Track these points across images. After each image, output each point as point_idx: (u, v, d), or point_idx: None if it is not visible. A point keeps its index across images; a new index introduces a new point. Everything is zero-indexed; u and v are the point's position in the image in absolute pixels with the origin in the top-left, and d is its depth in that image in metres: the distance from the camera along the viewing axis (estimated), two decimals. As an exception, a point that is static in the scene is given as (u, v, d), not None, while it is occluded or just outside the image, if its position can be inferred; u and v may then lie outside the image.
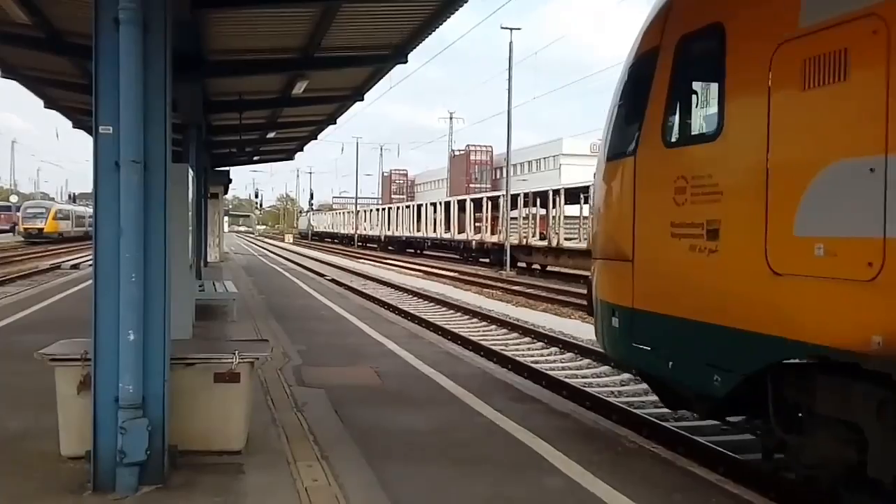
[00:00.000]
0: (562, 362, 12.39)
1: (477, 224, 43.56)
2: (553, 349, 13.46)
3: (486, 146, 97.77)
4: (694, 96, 5.89)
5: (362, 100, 16.39)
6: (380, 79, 14.63)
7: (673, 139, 5.87)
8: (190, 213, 10.26)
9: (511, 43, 36.54)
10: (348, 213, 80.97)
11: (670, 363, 5.70)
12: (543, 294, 23.07)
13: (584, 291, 26.37)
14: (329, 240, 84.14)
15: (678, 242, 5.51)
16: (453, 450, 5.81)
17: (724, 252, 5.11)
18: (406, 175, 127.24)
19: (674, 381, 6.05)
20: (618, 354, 7.02)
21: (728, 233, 5.09)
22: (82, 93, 13.59)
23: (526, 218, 37.23)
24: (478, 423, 6.60)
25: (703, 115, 5.87)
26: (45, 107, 17.28)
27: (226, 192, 36.89)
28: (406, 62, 12.36)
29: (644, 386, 10.53)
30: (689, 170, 5.49)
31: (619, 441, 6.26)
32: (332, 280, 26.59)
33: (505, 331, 15.77)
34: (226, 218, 58.27)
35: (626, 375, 11.12)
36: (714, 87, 5.51)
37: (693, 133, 5.88)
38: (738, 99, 5.12)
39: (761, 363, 4.93)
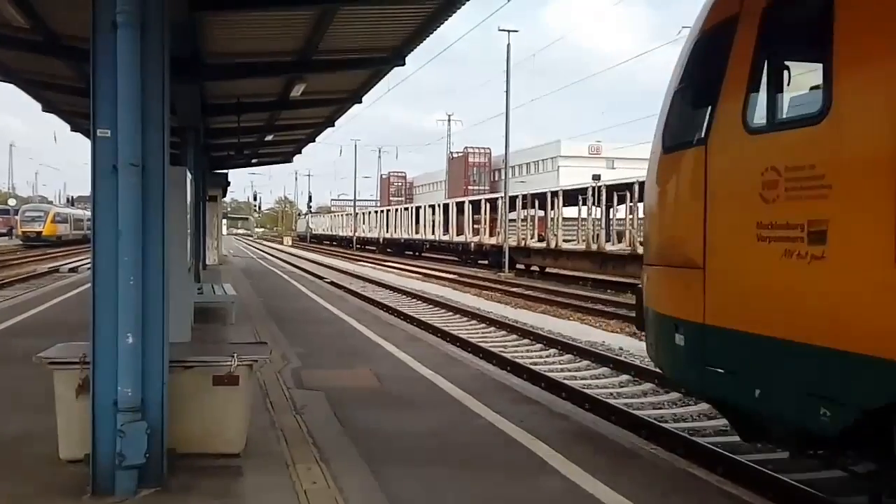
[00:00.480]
0: (560, 364, 12.40)
1: (476, 226, 43.61)
2: (552, 351, 13.47)
3: (484, 148, 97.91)
4: (786, 72, 4.94)
5: (360, 102, 16.41)
6: (377, 81, 14.64)
7: (758, 123, 4.90)
8: (188, 216, 10.26)
9: (509, 45, 36.69)
10: (347, 215, 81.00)
11: (757, 391, 4.73)
12: (542, 296, 23.09)
13: (583, 293, 26.12)
14: (328, 242, 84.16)
15: (767, 247, 4.60)
16: (452, 452, 5.81)
17: (835, 259, 4.19)
18: (404, 177, 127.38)
19: (761, 412, 5.02)
20: (682, 377, 6.04)
21: (840, 235, 4.17)
22: (80, 96, 13.58)
23: (524, 220, 37.28)
24: (477, 425, 6.60)
25: (801, 94, 5.00)
26: (43, 110, 17.27)
27: (224, 195, 36.88)
28: (404, 65, 12.37)
29: (643, 387, 10.54)
30: (782, 159, 4.56)
31: (617, 442, 6.27)
32: (331, 282, 26.58)
33: (504, 333, 15.78)
34: (224, 220, 58.27)
35: (624, 376, 11.13)
36: (817, 58, 4.66)
37: (787, 115, 4.90)
38: (852, 72, 4.24)
39: (889, 395, 3.98)
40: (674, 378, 6.64)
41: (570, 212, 34.59)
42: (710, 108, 5.25)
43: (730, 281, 4.99)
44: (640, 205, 27.48)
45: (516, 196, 37.92)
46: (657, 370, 11.11)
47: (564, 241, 32.78)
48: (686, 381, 6.33)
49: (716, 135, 5.16)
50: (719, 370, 5.06)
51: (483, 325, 17.09)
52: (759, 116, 4.93)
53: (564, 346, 13.45)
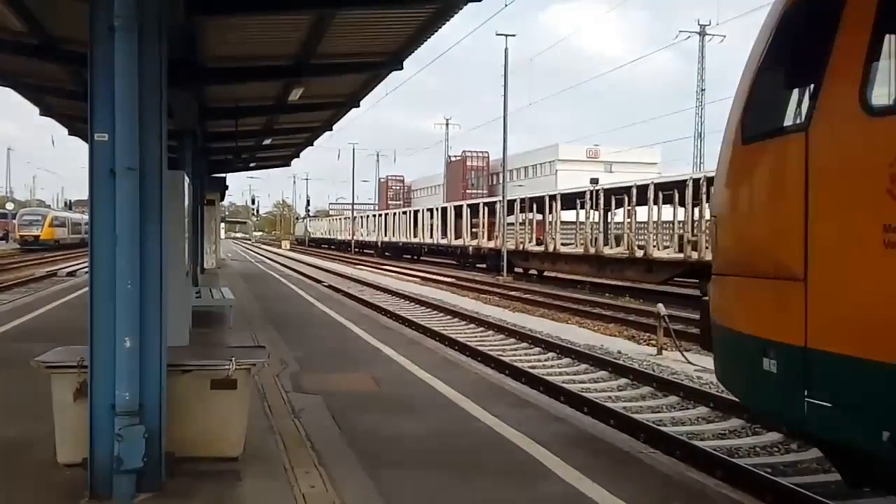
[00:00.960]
0: (559, 367, 12.40)
1: (474, 230, 43.65)
2: (550, 354, 13.48)
3: (482, 152, 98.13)
4: None
5: (358, 106, 16.39)
6: (375, 85, 14.63)
7: (883, 103, 4.09)
8: (186, 220, 10.25)
9: (506, 49, 36.73)
10: (345, 219, 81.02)
11: (885, 433, 3.82)
12: (540, 299, 23.09)
13: (582, 296, 26.06)
14: (326, 246, 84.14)
15: None
16: (451, 456, 5.80)
17: None
18: (402, 181, 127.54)
19: (890, 458, 4.01)
20: (772, 409, 5.11)
21: None
22: (78, 100, 13.55)
23: (523, 223, 37.32)
24: (475, 429, 6.59)
25: None
26: (41, 114, 17.24)
27: (222, 199, 36.84)
28: (402, 69, 12.37)
29: (641, 391, 10.54)
30: None
31: (616, 446, 6.26)
32: (330, 286, 26.57)
33: (502, 336, 15.77)
34: (222, 224, 58.21)
35: (623, 380, 11.13)
36: None
37: None
38: None
39: None
40: (758, 409, 5.88)
41: (569, 215, 34.65)
42: (811, 87, 4.37)
43: (844, 296, 4.05)
44: (672, 208, 27.52)
45: (514, 200, 37.96)
46: (648, 375, 11.12)
47: (562, 244, 32.81)
48: (777, 415, 5.42)
49: (821, 119, 4.25)
50: (827, 404, 4.12)
51: (481, 328, 17.08)
52: (885, 95, 4.12)
53: (563, 350, 13.44)
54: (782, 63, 4.77)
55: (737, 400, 6.28)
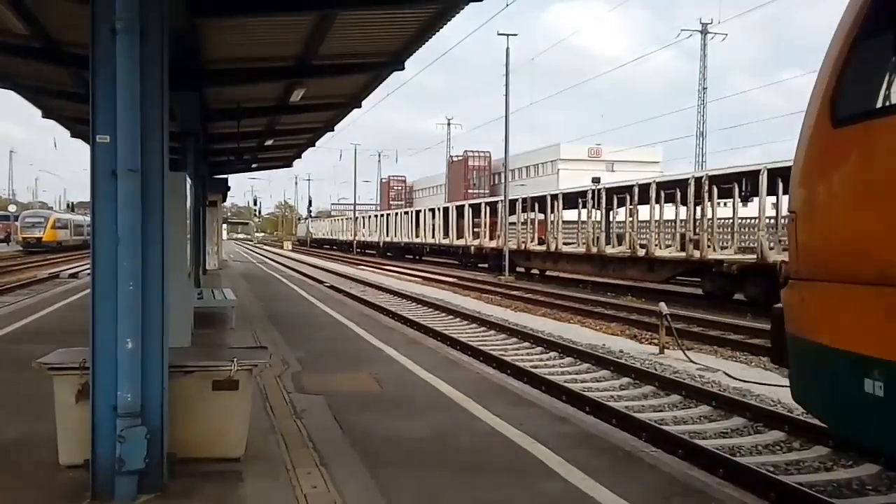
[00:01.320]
0: (561, 367, 12.40)
1: (476, 230, 43.66)
2: (552, 354, 13.47)
3: (483, 152, 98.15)
4: None
5: (359, 107, 16.41)
6: (377, 86, 14.64)
7: None
8: (188, 221, 10.26)
9: (508, 49, 36.74)
10: (347, 219, 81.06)
11: None
12: (542, 299, 23.09)
13: (584, 296, 26.03)
14: (328, 246, 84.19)
15: None
16: (452, 455, 5.80)
17: None
18: (404, 181, 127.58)
19: None
20: (879, 437, 4.21)
21: None
22: (80, 102, 13.59)
23: (525, 223, 37.33)
24: (477, 429, 6.59)
25: None
26: (43, 117, 17.28)
27: (224, 200, 36.93)
28: (403, 69, 12.39)
29: (643, 390, 10.54)
30: None
31: (618, 445, 6.25)
32: (331, 287, 26.58)
33: (504, 336, 15.78)
34: (224, 225, 58.32)
35: (625, 379, 11.12)
36: None
37: None
38: None
39: None
40: (855, 436, 5.15)
41: (570, 215, 34.63)
42: None
43: None
44: (674, 207, 27.49)
45: (516, 199, 37.97)
46: (650, 374, 11.11)
47: (564, 244, 32.81)
48: (883, 445, 4.58)
49: None
50: None
51: (483, 328, 17.09)
52: None
53: (565, 349, 13.44)
54: (888, 26, 3.94)
55: (823, 425, 5.42)
